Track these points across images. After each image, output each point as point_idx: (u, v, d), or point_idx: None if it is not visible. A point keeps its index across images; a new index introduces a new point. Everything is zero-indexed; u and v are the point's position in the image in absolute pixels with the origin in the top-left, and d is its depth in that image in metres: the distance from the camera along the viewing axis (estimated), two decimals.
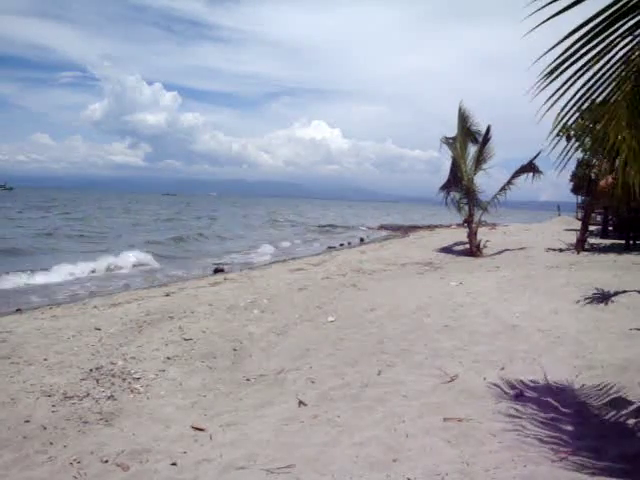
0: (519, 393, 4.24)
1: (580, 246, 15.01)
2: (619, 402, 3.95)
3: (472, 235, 15.99)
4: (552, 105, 2.41)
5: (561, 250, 15.18)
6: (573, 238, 15.23)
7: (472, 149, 16.30)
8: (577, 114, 2.48)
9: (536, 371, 4.76)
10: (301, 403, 4.30)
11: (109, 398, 4.51)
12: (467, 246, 16.33)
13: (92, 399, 4.49)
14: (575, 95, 2.41)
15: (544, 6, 2.05)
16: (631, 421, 3.63)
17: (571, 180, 19.86)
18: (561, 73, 2.32)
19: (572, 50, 2.25)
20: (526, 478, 2.94)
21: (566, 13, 2.13)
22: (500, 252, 16.01)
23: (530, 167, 15.16)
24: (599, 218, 21.91)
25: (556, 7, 2.10)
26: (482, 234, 17.16)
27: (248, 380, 4.96)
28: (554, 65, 2.28)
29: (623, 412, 3.78)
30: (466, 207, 16.40)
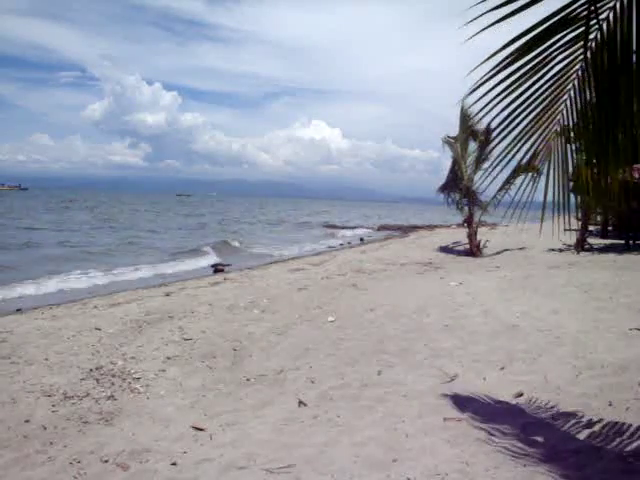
0: (519, 393, 4.24)
1: (580, 246, 15.01)
2: (619, 402, 3.95)
3: (472, 235, 15.99)
4: (483, 117, 2.33)
5: (561, 250, 15.18)
6: (573, 238, 15.24)
7: (473, 149, 16.30)
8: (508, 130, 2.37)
9: (536, 371, 4.76)
10: (301, 403, 4.30)
11: (109, 398, 4.51)
12: (467, 246, 16.33)
13: (92, 399, 4.49)
14: (507, 108, 2.30)
15: (481, 15, 1.94)
16: (631, 421, 3.64)
17: (571, 180, 19.81)
18: (495, 86, 2.22)
19: (507, 61, 2.15)
20: (526, 478, 2.95)
21: (508, 22, 2.02)
22: (500, 252, 16.01)
23: (530, 167, 15.11)
24: (599, 218, 21.90)
25: (493, 17, 1.99)
26: (482, 234, 17.16)
27: (248, 380, 4.97)
28: (487, 76, 2.17)
29: (623, 412, 3.79)
30: (466, 207, 16.41)
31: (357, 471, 3.14)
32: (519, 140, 2.40)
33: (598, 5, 2.03)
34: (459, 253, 16.58)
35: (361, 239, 27.19)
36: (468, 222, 16.30)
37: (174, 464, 3.36)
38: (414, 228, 35.40)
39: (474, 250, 15.77)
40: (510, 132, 2.39)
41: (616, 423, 3.61)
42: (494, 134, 2.43)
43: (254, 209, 74.80)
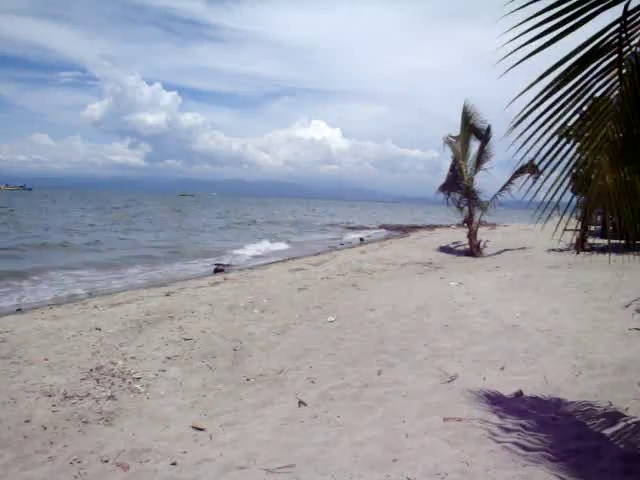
0: (519, 393, 4.24)
1: (580, 246, 15.01)
2: (619, 402, 3.95)
3: (472, 235, 15.99)
4: (530, 148, 2.31)
5: (561, 250, 15.18)
6: (573, 238, 15.24)
7: (473, 149, 16.30)
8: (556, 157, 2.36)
9: (536, 371, 4.76)
10: (301, 403, 4.30)
11: (109, 398, 4.51)
12: (467, 246, 16.34)
13: (92, 399, 4.49)
14: (552, 138, 2.30)
15: (515, 49, 1.98)
16: (631, 421, 3.64)
17: (571, 180, 19.80)
18: (537, 118, 2.22)
19: (547, 92, 2.17)
20: (525, 478, 2.95)
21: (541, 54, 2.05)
22: (500, 252, 16.01)
23: (530, 167, 15.11)
24: (599, 218, 21.88)
25: (529, 49, 2.03)
26: (482, 234, 17.16)
27: (248, 380, 4.97)
28: (528, 109, 2.19)
29: (623, 412, 3.79)
30: (466, 207, 16.41)
31: (357, 471, 3.14)
32: (568, 172, 2.41)
33: (629, 32, 2.04)
34: (459, 253, 16.58)
35: (361, 239, 27.18)
36: (468, 222, 16.30)
37: (174, 464, 3.37)
38: (414, 228, 35.40)
39: (474, 250, 15.77)
40: (557, 164, 2.39)
41: (616, 423, 3.61)
42: (540, 167, 2.43)
43: (265, 209, 76.71)
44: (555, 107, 2.23)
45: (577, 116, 2.28)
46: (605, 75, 2.18)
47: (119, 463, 3.40)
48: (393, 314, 7.31)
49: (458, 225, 26.11)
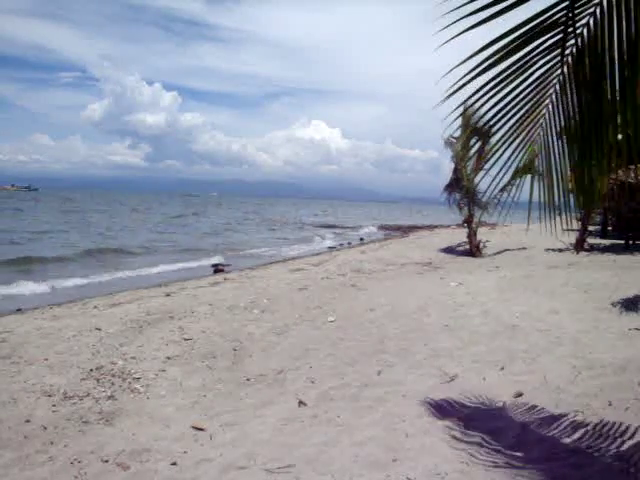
0: (519, 393, 4.25)
1: (580, 246, 15.01)
2: (619, 402, 3.96)
3: (472, 235, 15.99)
4: (458, 121, 2.26)
5: (561, 250, 15.18)
6: (573, 238, 15.24)
7: (473, 149, 16.30)
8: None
9: (535, 371, 4.77)
10: (301, 403, 4.30)
11: (109, 398, 4.52)
12: (467, 246, 16.34)
13: (92, 399, 4.49)
14: (486, 114, 2.27)
15: (455, 21, 1.87)
16: (631, 421, 3.64)
17: (570, 180, 19.79)
18: (478, 90, 2.16)
19: (485, 66, 2.09)
20: (525, 478, 2.95)
21: (483, 27, 1.96)
22: (500, 252, 16.01)
23: (529, 167, 15.12)
24: (598, 218, 21.91)
25: (467, 23, 1.92)
26: (482, 234, 17.17)
27: (248, 380, 4.97)
28: (463, 81, 2.09)
29: (623, 412, 3.79)
30: (466, 207, 16.41)
31: (357, 471, 3.15)
32: (504, 142, 2.38)
33: (577, 11, 2.00)
34: (459, 253, 16.58)
35: (361, 239, 27.19)
36: (468, 222, 16.30)
37: (174, 464, 3.37)
38: (414, 228, 35.40)
39: (474, 250, 15.77)
40: (493, 134, 2.38)
41: (616, 423, 3.61)
42: (477, 136, 2.41)
43: (275, 209, 78.96)
44: (497, 80, 2.17)
45: (514, 94, 2.23)
46: (548, 54, 2.14)
47: (119, 463, 3.40)
48: (393, 314, 7.31)
49: (458, 225, 26.14)
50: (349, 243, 24.81)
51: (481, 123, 2.35)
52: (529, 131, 2.38)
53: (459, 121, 2.32)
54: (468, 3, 1.89)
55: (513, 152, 2.41)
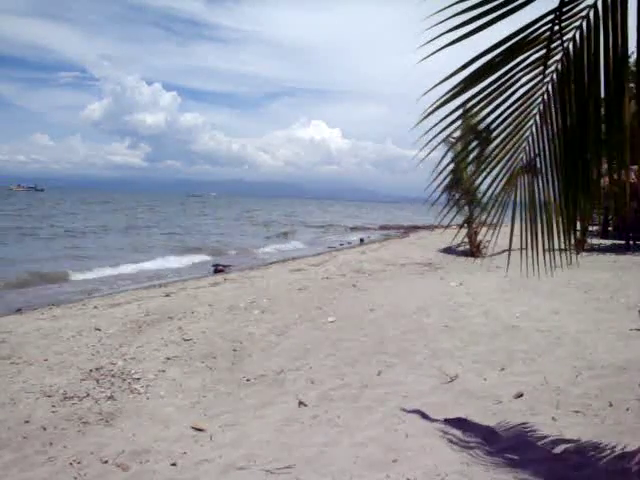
0: (519, 393, 4.24)
1: (580, 246, 15.01)
2: (619, 402, 3.95)
3: (472, 235, 15.98)
4: (442, 141, 2.15)
5: (561, 250, 15.18)
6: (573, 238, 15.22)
7: (473, 149, 16.31)
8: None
9: (536, 371, 4.76)
10: (301, 403, 4.30)
11: (109, 398, 4.51)
12: (467, 246, 16.33)
13: (92, 399, 4.49)
14: (469, 134, 2.16)
15: (438, 35, 1.78)
16: (631, 421, 3.63)
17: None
18: (451, 112, 2.07)
19: (463, 85, 1.99)
20: (526, 478, 2.95)
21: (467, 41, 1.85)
22: (500, 252, 16.01)
23: (529, 167, 15.12)
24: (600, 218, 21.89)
25: (452, 36, 1.82)
26: (482, 234, 17.16)
27: (248, 380, 4.96)
28: (444, 99, 1.99)
29: (623, 412, 3.78)
30: (466, 207, 16.41)
31: (357, 471, 3.14)
32: (485, 168, 2.27)
33: (563, 25, 1.87)
34: (459, 253, 16.57)
35: (361, 239, 27.18)
36: (468, 222, 16.29)
37: (174, 464, 3.36)
38: (414, 228, 35.38)
39: (474, 250, 15.77)
40: (473, 160, 2.31)
41: (616, 424, 3.61)
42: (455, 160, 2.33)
43: (284, 210, 79.64)
44: (476, 99, 2.06)
45: (498, 111, 2.11)
46: (532, 70, 2.01)
47: (119, 464, 3.39)
48: (393, 314, 7.31)
49: (458, 225, 26.10)
50: (349, 243, 24.81)
51: (455, 151, 2.26)
52: (511, 156, 2.25)
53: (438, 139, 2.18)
54: (454, 16, 1.78)
55: (493, 180, 2.29)
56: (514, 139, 2.21)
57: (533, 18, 1.86)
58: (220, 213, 59.25)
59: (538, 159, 2.22)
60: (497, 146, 2.23)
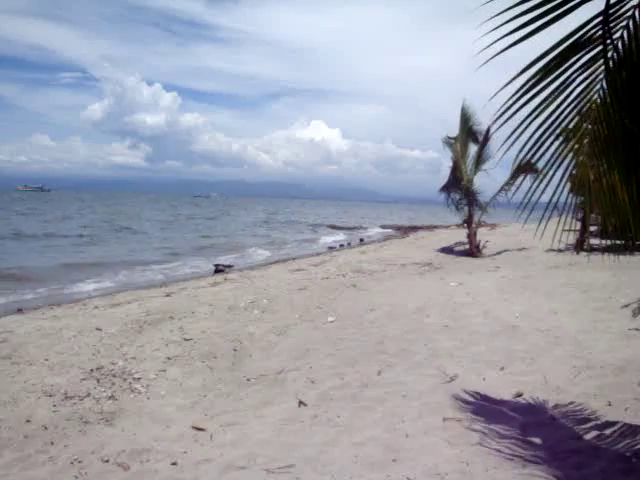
0: (519, 393, 4.25)
1: (579, 246, 15.01)
2: (618, 402, 3.96)
3: (472, 235, 15.99)
4: (512, 143, 2.23)
5: (560, 250, 15.18)
6: (572, 238, 15.26)
7: (473, 149, 16.30)
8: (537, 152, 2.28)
9: (535, 371, 4.77)
10: (301, 403, 4.31)
11: (110, 398, 4.52)
12: (467, 246, 16.33)
13: (93, 399, 4.50)
14: (534, 133, 2.23)
15: (495, 41, 1.90)
16: (630, 421, 3.64)
17: (570, 180, 19.78)
18: (516, 111, 2.14)
19: (527, 87, 2.10)
20: (526, 478, 2.96)
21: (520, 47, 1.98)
22: (500, 252, 16.01)
23: (529, 167, 15.12)
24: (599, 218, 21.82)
25: (505, 43, 1.95)
26: (482, 234, 17.17)
27: (248, 380, 4.98)
28: (508, 104, 2.11)
29: (622, 412, 3.79)
30: (466, 208, 16.41)
31: (357, 471, 3.15)
32: (549, 168, 2.35)
33: (611, 25, 2.01)
34: (459, 253, 16.57)
35: (361, 239, 27.21)
36: (468, 222, 16.30)
37: (174, 464, 3.37)
38: (414, 228, 35.40)
39: (474, 250, 15.77)
40: (539, 159, 2.33)
41: (615, 423, 3.62)
42: (522, 162, 2.36)
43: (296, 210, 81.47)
44: (536, 101, 2.16)
45: (558, 112, 2.21)
46: (586, 70, 2.13)
47: (119, 463, 3.41)
48: (393, 314, 7.32)
49: (458, 225, 26.14)
50: (349, 243, 24.83)
51: (523, 152, 2.31)
52: (574, 154, 2.34)
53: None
54: (505, 23, 1.91)
55: (561, 176, 2.38)
56: (576, 136, 2.32)
57: (580, 22, 2.00)
58: (237, 213, 60.95)
59: (600, 156, 2.33)
60: (560, 145, 2.34)
